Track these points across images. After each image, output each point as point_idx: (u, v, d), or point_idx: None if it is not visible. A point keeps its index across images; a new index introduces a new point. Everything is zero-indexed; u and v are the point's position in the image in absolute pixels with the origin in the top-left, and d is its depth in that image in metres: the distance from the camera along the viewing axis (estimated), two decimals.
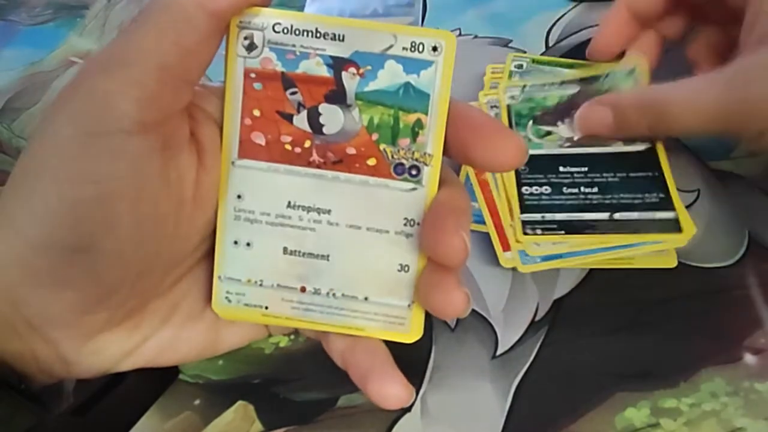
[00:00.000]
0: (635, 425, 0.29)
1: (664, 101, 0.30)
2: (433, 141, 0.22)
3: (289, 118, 0.22)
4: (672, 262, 0.33)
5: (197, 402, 0.31)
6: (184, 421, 0.31)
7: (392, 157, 0.22)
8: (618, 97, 0.33)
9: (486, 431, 0.29)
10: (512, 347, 0.32)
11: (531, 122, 0.37)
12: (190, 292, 0.24)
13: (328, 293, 0.23)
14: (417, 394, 0.31)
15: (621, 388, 0.30)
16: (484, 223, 0.34)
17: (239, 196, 0.23)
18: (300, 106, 0.22)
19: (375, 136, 0.22)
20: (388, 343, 0.24)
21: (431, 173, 0.22)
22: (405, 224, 0.22)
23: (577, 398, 0.30)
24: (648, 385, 0.29)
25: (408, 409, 0.30)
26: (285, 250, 0.23)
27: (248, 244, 0.23)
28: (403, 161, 0.22)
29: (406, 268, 0.23)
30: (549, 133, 0.36)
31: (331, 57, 0.21)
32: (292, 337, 0.33)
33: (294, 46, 0.21)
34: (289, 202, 0.22)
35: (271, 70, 0.22)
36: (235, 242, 0.23)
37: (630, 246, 0.32)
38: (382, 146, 0.22)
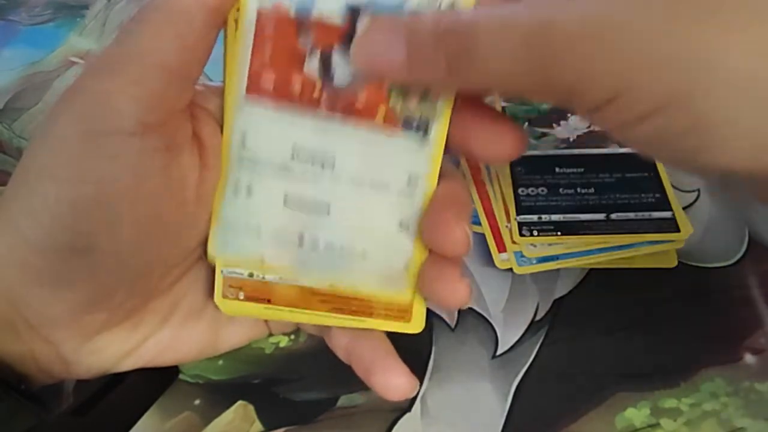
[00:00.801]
0: (635, 425, 0.29)
1: (469, 25, 0.19)
2: (443, 98, 0.21)
3: (299, 63, 0.21)
4: (672, 262, 0.33)
5: (197, 402, 0.31)
6: (184, 421, 0.31)
7: (401, 111, 0.22)
8: (414, 18, 0.20)
9: (486, 431, 0.29)
10: (512, 347, 0.32)
11: (526, 124, 0.37)
12: (190, 291, 0.24)
13: (326, 246, 0.23)
14: (417, 394, 0.31)
15: (621, 388, 0.30)
16: (479, 224, 0.34)
17: (243, 142, 0.22)
18: (312, 51, 0.21)
19: (386, 89, 0.21)
20: (389, 338, 0.24)
21: (439, 130, 0.22)
22: (409, 180, 0.22)
23: (577, 398, 0.30)
24: (648, 385, 0.30)
25: (408, 409, 0.30)
26: (286, 199, 0.22)
27: (249, 191, 0.22)
28: (413, 116, 0.21)
29: (407, 226, 0.22)
30: (544, 134, 0.36)
31: (347, 4, 0.20)
32: (292, 336, 0.33)
33: None
34: (293, 152, 0.22)
35: (285, 14, 0.20)
36: (236, 188, 0.22)
37: (627, 247, 0.32)
38: (392, 99, 0.21)
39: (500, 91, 0.19)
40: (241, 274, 0.23)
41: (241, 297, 0.23)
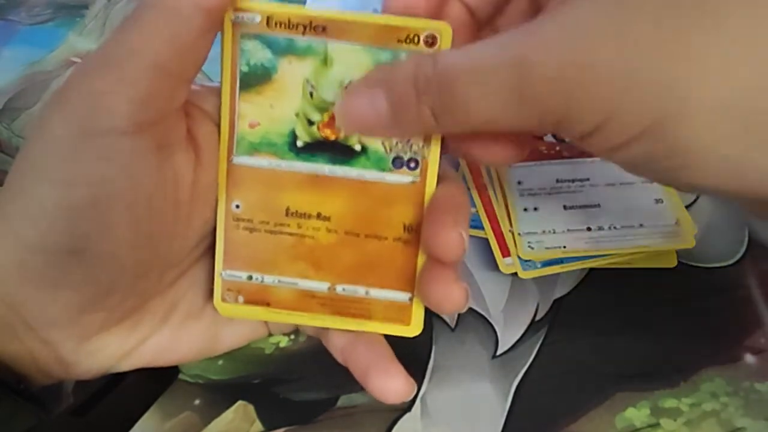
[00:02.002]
0: (635, 425, 0.29)
1: (445, 75, 0.19)
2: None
3: (541, 138, 0.23)
4: (672, 262, 0.33)
5: (197, 402, 0.31)
6: (184, 421, 0.31)
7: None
8: (392, 72, 0.20)
9: (486, 431, 0.29)
10: (512, 347, 0.32)
11: None
12: (189, 291, 0.24)
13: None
14: (417, 394, 0.31)
15: (621, 388, 0.30)
16: (482, 228, 0.34)
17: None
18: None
19: None
20: (388, 339, 0.24)
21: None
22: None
23: (577, 398, 0.30)
24: (648, 385, 0.29)
25: (408, 409, 0.30)
26: (564, 207, 0.23)
27: (535, 209, 0.24)
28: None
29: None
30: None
31: None
32: (292, 337, 0.33)
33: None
34: (557, 180, 0.23)
35: None
36: (524, 210, 0.23)
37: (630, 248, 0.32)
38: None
39: (489, 131, 0.20)
40: (240, 277, 0.23)
41: (240, 300, 0.23)
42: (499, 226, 0.33)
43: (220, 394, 0.31)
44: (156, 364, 0.24)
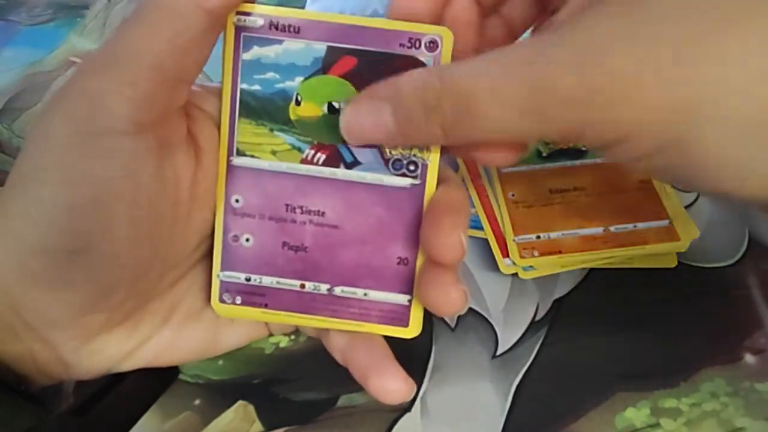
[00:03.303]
0: (635, 425, 0.29)
1: (464, 89, 0.19)
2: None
3: None
4: (672, 262, 0.33)
5: (197, 402, 0.31)
6: (184, 421, 0.31)
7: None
8: (399, 84, 0.20)
9: (486, 431, 0.29)
10: (512, 347, 0.32)
11: None
12: (189, 292, 0.24)
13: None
14: (417, 394, 0.31)
15: (621, 388, 0.30)
16: (482, 229, 0.34)
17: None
18: None
19: None
20: (388, 340, 0.24)
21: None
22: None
23: (577, 398, 0.30)
24: (648, 385, 0.29)
25: (408, 409, 0.30)
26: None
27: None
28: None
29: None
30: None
31: None
32: (292, 337, 0.33)
33: None
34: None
35: None
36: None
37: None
38: None
39: (499, 141, 0.20)
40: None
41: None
42: (499, 226, 0.33)
43: (220, 394, 0.31)
44: (156, 364, 0.24)
